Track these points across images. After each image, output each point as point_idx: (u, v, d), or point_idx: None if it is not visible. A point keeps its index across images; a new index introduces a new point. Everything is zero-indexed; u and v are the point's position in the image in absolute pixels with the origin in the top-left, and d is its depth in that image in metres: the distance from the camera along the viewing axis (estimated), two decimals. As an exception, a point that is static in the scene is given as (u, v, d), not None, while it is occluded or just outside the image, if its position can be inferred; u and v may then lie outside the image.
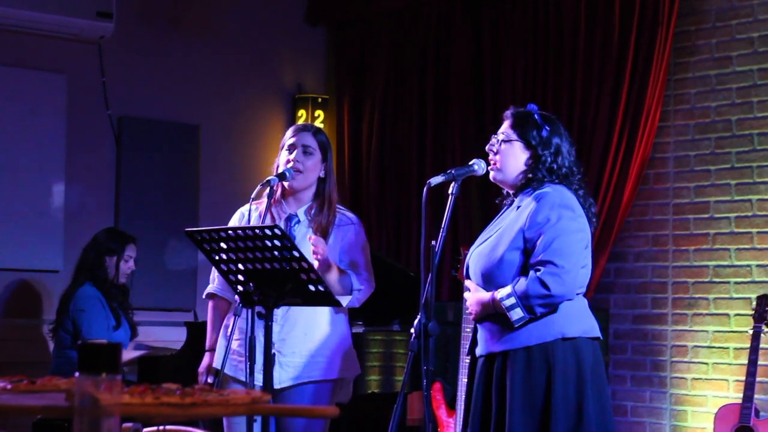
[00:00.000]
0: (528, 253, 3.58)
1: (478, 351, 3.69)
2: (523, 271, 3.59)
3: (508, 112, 3.78)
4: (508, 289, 3.54)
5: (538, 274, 3.52)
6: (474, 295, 3.66)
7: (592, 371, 3.58)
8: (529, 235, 3.57)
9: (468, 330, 4.58)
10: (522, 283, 3.53)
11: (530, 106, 3.81)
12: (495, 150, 3.72)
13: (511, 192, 3.78)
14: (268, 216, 4.07)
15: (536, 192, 3.64)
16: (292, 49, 7.66)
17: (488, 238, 3.70)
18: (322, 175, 4.15)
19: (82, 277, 5.68)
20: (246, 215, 4.17)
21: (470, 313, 3.73)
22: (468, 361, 3.90)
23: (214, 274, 4.23)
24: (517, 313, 3.51)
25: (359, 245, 4.15)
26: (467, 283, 3.72)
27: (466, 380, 4.09)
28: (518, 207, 3.68)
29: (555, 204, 3.59)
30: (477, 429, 3.61)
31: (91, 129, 6.80)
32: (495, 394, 3.57)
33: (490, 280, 3.63)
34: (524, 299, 3.51)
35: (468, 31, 6.97)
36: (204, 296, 4.31)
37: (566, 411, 3.50)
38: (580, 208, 3.66)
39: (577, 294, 3.63)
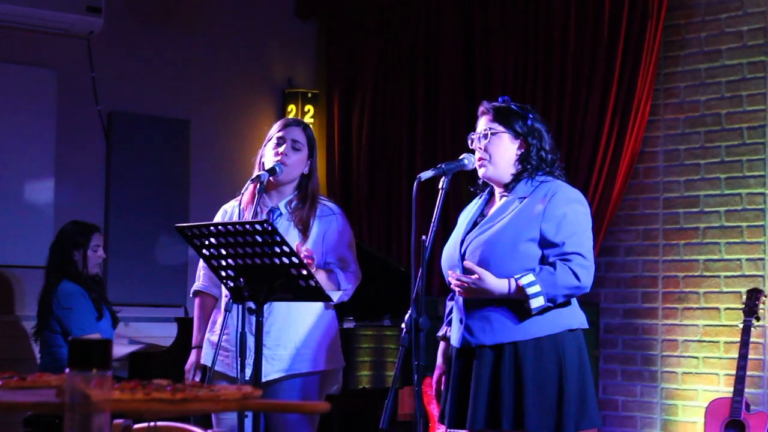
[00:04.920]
0: (542, 245, 3.57)
1: (472, 341, 3.65)
2: (536, 262, 3.58)
3: (483, 108, 3.75)
4: (530, 277, 3.50)
5: (569, 264, 3.53)
6: (487, 279, 3.53)
7: (585, 360, 3.66)
8: (546, 227, 3.56)
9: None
10: (548, 272, 3.51)
11: (503, 98, 3.79)
12: (482, 146, 3.70)
13: (500, 187, 3.76)
14: (257, 210, 4.07)
15: (540, 183, 3.65)
16: (282, 43, 7.65)
17: (490, 227, 3.64)
18: (306, 171, 4.16)
19: (55, 275, 5.62)
20: (229, 212, 4.19)
21: (461, 293, 3.60)
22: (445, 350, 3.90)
23: (200, 271, 4.23)
24: (538, 301, 3.49)
25: (345, 239, 4.14)
26: (471, 265, 3.56)
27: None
28: (521, 198, 3.64)
29: (570, 199, 3.63)
30: (482, 418, 3.58)
31: (81, 124, 6.78)
32: (507, 383, 3.56)
33: (497, 269, 3.57)
34: (550, 288, 3.50)
35: (458, 25, 6.97)
36: (191, 294, 4.31)
37: (575, 398, 3.56)
38: (588, 205, 3.71)
39: None
